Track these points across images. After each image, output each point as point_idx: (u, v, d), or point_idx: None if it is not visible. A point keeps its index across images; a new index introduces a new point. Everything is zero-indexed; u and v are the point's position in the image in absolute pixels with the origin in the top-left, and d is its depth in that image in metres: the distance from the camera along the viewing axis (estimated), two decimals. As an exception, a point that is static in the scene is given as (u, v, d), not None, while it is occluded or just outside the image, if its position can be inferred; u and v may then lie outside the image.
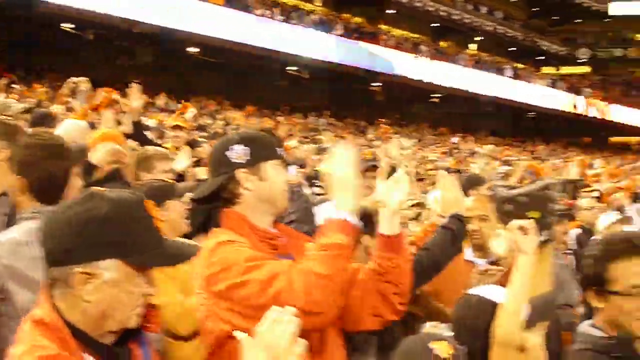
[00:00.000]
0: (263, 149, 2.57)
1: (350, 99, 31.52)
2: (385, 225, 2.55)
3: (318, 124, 23.69)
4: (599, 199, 10.35)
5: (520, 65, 42.67)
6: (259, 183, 2.54)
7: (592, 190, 10.85)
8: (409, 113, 33.73)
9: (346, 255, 2.35)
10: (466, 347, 2.29)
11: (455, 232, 3.38)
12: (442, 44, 38.43)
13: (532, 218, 2.96)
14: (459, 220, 3.39)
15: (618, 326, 2.48)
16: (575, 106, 42.67)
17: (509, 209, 3.07)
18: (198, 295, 2.46)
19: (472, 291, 2.81)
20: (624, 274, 2.44)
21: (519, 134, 39.59)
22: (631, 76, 53.39)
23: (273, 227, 2.61)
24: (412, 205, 5.21)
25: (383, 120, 29.84)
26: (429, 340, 2.22)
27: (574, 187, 10.48)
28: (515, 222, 2.79)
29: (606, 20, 51.08)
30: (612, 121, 45.38)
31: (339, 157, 2.53)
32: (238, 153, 2.55)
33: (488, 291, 2.74)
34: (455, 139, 27.67)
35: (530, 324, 2.59)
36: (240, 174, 2.53)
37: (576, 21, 51.61)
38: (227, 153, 2.56)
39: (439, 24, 39.17)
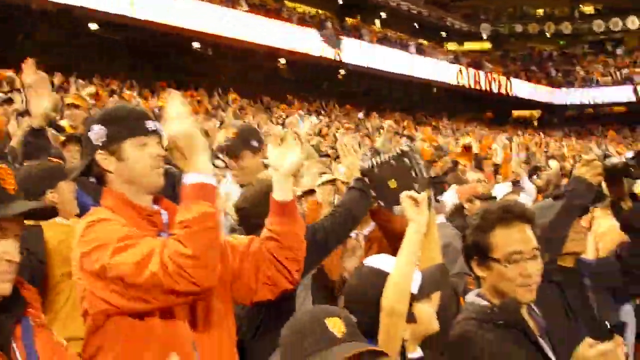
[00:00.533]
0: (122, 127, 2.45)
1: (255, 76, 31.54)
2: (278, 191, 2.52)
3: (223, 101, 23.75)
4: (497, 171, 11.03)
5: (424, 42, 43.42)
6: (118, 164, 2.45)
7: (491, 164, 11.54)
8: (315, 89, 34.03)
9: (211, 225, 2.25)
10: (356, 319, 2.27)
11: (361, 189, 3.32)
12: (348, 20, 38.82)
13: (393, 188, 3.10)
14: (362, 182, 3.33)
15: (501, 294, 2.58)
16: (477, 82, 43.78)
17: (369, 180, 3.21)
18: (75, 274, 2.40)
19: (366, 261, 2.83)
20: (503, 241, 2.56)
21: (424, 109, 40.37)
22: (531, 51, 55.28)
23: (156, 204, 2.54)
24: (325, 182, 5.27)
25: (290, 97, 30.12)
26: (323, 316, 2.18)
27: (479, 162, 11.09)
28: (407, 193, 2.83)
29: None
30: (513, 96, 46.73)
31: (173, 113, 2.35)
32: (96, 134, 2.47)
33: (380, 261, 2.75)
34: (361, 115, 28.12)
35: (421, 294, 2.64)
36: (98, 155, 2.46)
37: (479, -4, 52.75)
38: (89, 134, 2.49)
39: (344, 1, 39.51)
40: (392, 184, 3.14)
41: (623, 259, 3.36)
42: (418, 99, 41.57)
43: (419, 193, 2.85)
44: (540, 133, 38.27)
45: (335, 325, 2.14)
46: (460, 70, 42.39)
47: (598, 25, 53.22)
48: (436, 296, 2.82)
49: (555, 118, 51.32)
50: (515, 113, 50.18)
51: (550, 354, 2.60)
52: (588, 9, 54.99)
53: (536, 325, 2.66)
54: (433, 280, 2.73)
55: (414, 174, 3.10)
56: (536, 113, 51.46)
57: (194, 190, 2.27)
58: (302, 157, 2.61)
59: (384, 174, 3.17)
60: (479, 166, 10.71)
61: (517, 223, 2.58)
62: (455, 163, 10.60)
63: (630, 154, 3.32)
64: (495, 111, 44.05)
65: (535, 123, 48.62)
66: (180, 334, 2.37)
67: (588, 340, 2.32)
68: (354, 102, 33.80)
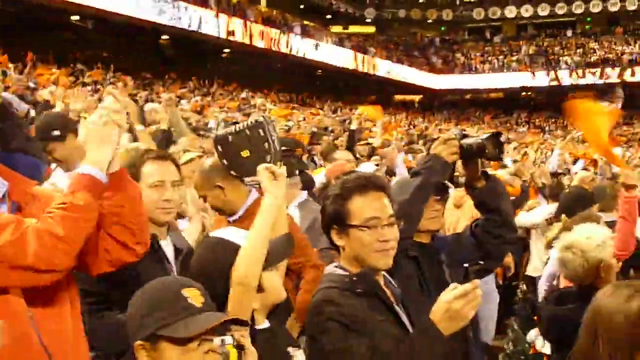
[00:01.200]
0: None
1: (137, 52, 31.16)
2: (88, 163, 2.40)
3: (104, 77, 23.45)
4: (374, 151, 11.58)
5: (309, 23, 43.86)
6: None
7: (365, 144, 12.11)
8: (199, 68, 33.93)
9: (88, 217, 2.27)
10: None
11: None
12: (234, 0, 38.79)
13: (245, 157, 3.16)
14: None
15: (360, 261, 2.69)
16: (362, 65, 44.64)
17: (222, 149, 3.28)
18: None
19: (213, 234, 2.91)
20: (361, 208, 2.67)
21: (308, 91, 40.89)
22: (413, 37, 56.81)
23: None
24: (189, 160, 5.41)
25: (172, 75, 29.95)
26: (179, 287, 2.18)
27: (352, 139, 11.53)
28: (264, 165, 2.93)
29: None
30: (396, 80, 47.91)
31: (102, 109, 2.42)
32: None
33: (228, 233, 2.84)
34: (244, 95, 28.26)
35: (269, 263, 2.72)
36: None
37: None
38: None
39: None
40: (245, 153, 3.19)
41: (476, 235, 3.49)
42: (303, 80, 41.98)
43: (271, 164, 2.98)
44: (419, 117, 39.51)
45: (194, 296, 2.14)
46: (346, 54, 43.16)
47: (478, 12, 55.37)
48: (283, 265, 2.94)
49: (435, 102, 53.12)
50: (398, 97, 51.58)
51: (405, 320, 2.71)
52: (469, -3, 57.35)
53: (392, 294, 2.76)
54: (280, 249, 2.82)
55: (267, 146, 3.15)
56: (417, 97, 53.13)
57: (84, 180, 2.30)
58: (99, 123, 2.40)
59: (239, 142, 3.19)
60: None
61: (374, 192, 2.70)
62: (335, 146, 10.96)
63: (486, 135, 3.37)
64: (378, 95, 45.11)
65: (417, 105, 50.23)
66: (13, 309, 2.27)
67: (451, 284, 2.44)
68: (238, 81, 33.94)
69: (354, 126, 11.34)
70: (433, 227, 3.49)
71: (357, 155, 10.20)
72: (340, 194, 2.71)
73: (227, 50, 36.32)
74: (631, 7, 52.54)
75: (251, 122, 3.27)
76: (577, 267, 3.94)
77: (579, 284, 4.00)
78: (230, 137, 3.26)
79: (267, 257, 2.71)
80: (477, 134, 3.13)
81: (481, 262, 2.81)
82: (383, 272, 2.77)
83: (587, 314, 2.32)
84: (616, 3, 52.99)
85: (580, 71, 49.95)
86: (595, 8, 53.67)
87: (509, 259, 7.98)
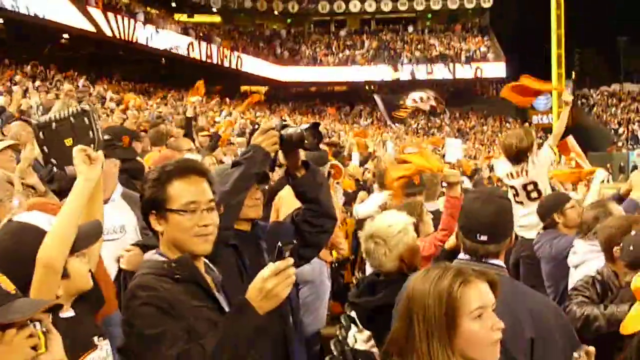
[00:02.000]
0: None
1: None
2: None
3: None
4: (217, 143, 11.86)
5: (153, 11, 43.46)
6: None
7: (207, 135, 12.19)
8: (36, 53, 32.88)
9: None
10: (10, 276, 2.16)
11: None
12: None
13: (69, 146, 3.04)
14: None
15: (179, 246, 2.66)
16: (208, 55, 44.69)
17: (44, 136, 3.18)
18: None
19: (16, 218, 2.87)
20: (180, 192, 2.65)
21: (153, 80, 40.44)
22: (259, 28, 57.42)
23: None
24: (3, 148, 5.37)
25: (7, 60, 28.90)
26: None
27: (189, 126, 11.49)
28: (80, 147, 2.92)
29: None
30: (242, 71, 48.34)
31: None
32: None
33: (32, 217, 2.82)
34: (82, 82, 27.61)
35: (75, 248, 2.73)
36: None
37: (210, -30, 53.69)
38: None
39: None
40: (69, 142, 3.11)
41: (297, 224, 3.55)
42: (148, 68, 41.55)
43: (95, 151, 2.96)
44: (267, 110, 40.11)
45: (4, 282, 2.08)
46: (191, 43, 43.15)
47: (323, 6, 56.86)
48: (92, 252, 2.95)
49: (281, 94, 54.02)
50: (244, 88, 52.02)
51: (225, 306, 2.70)
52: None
53: (213, 281, 2.75)
54: (88, 235, 2.80)
55: (91, 135, 3.09)
56: (263, 89, 53.74)
57: None
58: None
59: (62, 130, 3.12)
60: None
61: (193, 176, 2.69)
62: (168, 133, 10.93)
63: (305, 126, 3.38)
64: (225, 85, 45.28)
65: (263, 98, 50.75)
66: None
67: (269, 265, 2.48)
68: (79, 68, 33.14)
69: (189, 114, 11.16)
70: (253, 215, 3.51)
71: (198, 146, 10.32)
72: (158, 178, 2.68)
73: (66, 35, 35.40)
74: (469, 5, 55.90)
75: (76, 110, 3.16)
76: (381, 256, 4.01)
77: (387, 271, 4.04)
78: (54, 124, 3.13)
79: (75, 241, 2.70)
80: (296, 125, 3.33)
81: (294, 242, 2.72)
82: (204, 259, 2.77)
83: (401, 299, 2.34)
84: (455, 1, 56.14)
85: (424, 66, 52.41)
86: (436, 5, 56.54)
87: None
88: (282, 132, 3.30)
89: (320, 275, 6.87)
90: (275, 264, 2.44)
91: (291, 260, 2.47)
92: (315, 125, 3.34)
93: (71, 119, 3.12)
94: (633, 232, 4.07)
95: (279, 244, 2.50)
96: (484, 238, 3.08)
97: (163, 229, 2.68)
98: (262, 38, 56.40)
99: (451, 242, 4.26)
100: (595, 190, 7.28)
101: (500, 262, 3.14)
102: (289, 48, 55.97)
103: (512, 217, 3.28)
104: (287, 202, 6.91)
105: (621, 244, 4.05)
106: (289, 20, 58.79)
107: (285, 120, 3.13)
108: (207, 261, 2.79)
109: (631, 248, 3.95)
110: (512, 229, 3.29)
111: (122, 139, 5.44)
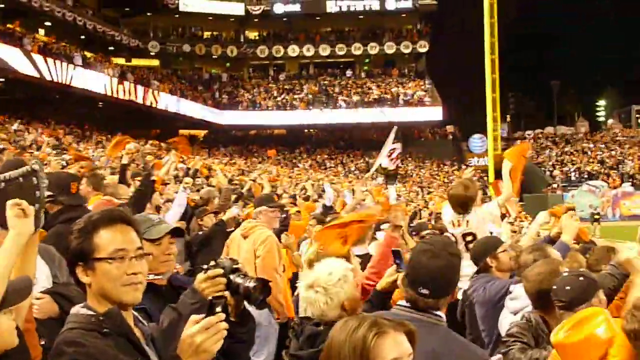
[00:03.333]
0: None
1: None
2: None
3: None
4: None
5: (90, 54, 44.26)
6: None
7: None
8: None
9: None
10: None
11: None
12: (10, 26, 38.23)
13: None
14: None
15: (107, 298, 2.61)
16: (144, 98, 45.72)
17: None
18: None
19: None
20: (107, 240, 2.62)
21: (90, 123, 40.85)
22: (198, 72, 58.78)
23: None
24: None
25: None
26: None
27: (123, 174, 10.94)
28: (15, 201, 2.90)
29: (176, 15, 55.41)
30: (180, 114, 49.59)
31: None
32: None
33: None
34: (16, 126, 27.68)
35: (2, 305, 2.70)
36: None
37: (148, 14, 54.96)
38: None
39: (5, 5, 39.10)
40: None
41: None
42: (85, 112, 42.01)
43: (38, 212, 2.99)
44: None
45: None
46: (127, 86, 44.05)
47: (262, 50, 58.62)
48: (20, 308, 2.90)
49: (220, 138, 55.29)
50: (182, 132, 52.93)
51: (155, 359, 2.68)
52: (253, 34, 60.33)
53: (142, 333, 2.72)
54: (17, 291, 2.76)
55: (37, 194, 3.09)
56: (202, 133, 54.57)
57: None
58: None
59: (10, 191, 3.07)
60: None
61: (120, 225, 2.68)
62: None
63: (253, 282, 3.10)
64: (162, 129, 45.88)
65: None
66: None
67: (193, 317, 2.49)
68: (13, 113, 33.23)
69: (124, 160, 10.78)
70: (164, 269, 3.60)
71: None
72: (84, 227, 2.66)
73: (1, 79, 36.05)
74: (406, 50, 58.06)
75: (26, 170, 3.14)
76: (322, 305, 3.89)
77: (328, 320, 3.88)
78: (2, 184, 3.10)
79: (3, 297, 2.68)
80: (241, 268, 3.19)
81: (225, 297, 2.78)
82: (133, 311, 2.73)
83: (323, 350, 2.32)
84: (392, 46, 58.24)
85: (359, 109, 54.40)
86: (373, 50, 58.70)
87: None
88: (231, 276, 3.10)
89: (268, 317, 7.01)
90: (206, 319, 2.46)
91: (222, 316, 2.49)
92: (265, 282, 3.10)
93: (20, 179, 3.10)
94: (565, 273, 4.15)
95: (210, 298, 2.59)
96: (425, 292, 3.16)
97: (90, 280, 2.63)
98: (200, 82, 57.74)
99: (383, 283, 4.22)
100: (534, 232, 7.39)
101: (440, 312, 3.22)
102: (227, 92, 57.37)
103: (458, 275, 3.33)
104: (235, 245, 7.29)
105: (554, 286, 4.04)
106: (227, 64, 60.26)
107: (235, 262, 3.15)
108: (136, 313, 2.76)
109: (567, 288, 3.97)
110: (455, 286, 3.36)
111: (71, 186, 5.42)
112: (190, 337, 2.44)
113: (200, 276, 3.10)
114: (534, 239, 7.13)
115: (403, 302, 3.26)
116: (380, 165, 13.57)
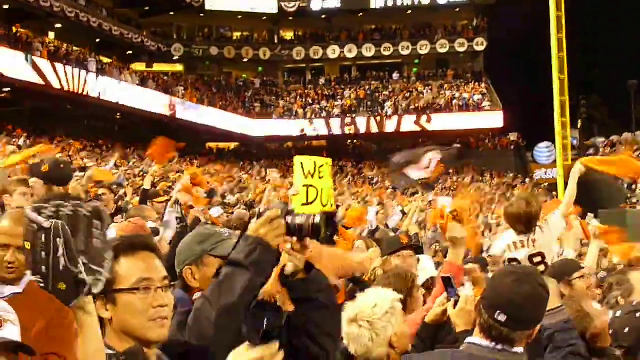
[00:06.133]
0: None
1: None
2: None
3: None
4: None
5: (106, 59, 43.83)
6: None
7: (165, 201, 12.07)
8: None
9: None
10: None
11: None
12: (18, 29, 37.93)
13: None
14: None
15: (130, 334, 2.58)
16: (170, 107, 45.19)
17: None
18: None
19: None
20: (129, 269, 2.60)
21: (107, 135, 40.57)
22: (227, 77, 58.05)
23: None
24: None
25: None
26: None
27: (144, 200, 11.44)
28: None
29: (202, 14, 54.77)
30: (207, 125, 48.87)
31: None
32: None
33: None
34: (22, 141, 27.57)
35: None
36: None
37: (170, 13, 54.43)
38: None
39: (10, 5, 38.71)
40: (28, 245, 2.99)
41: None
42: (100, 124, 41.63)
43: None
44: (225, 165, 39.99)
45: None
46: (151, 95, 43.59)
47: (298, 52, 57.68)
48: None
49: (254, 150, 54.20)
50: (210, 145, 52.10)
51: None
52: (288, 35, 59.54)
53: None
54: None
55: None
56: (232, 145, 53.88)
57: None
58: None
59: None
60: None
61: (142, 252, 2.66)
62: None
63: (317, 216, 3.04)
64: (188, 141, 45.42)
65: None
66: None
67: (244, 344, 2.36)
68: (21, 125, 33.14)
69: (147, 185, 10.93)
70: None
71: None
72: None
73: (6, 89, 35.44)
74: (461, 49, 56.87)
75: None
76: (367, 342, 3.81)
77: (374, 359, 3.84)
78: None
79: None
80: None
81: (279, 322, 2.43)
82: (156, 350, 2.66)
83: None
84: (445, 44, 57.13)
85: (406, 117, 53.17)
86: (423, 49, 57.47)
87: None
88: (288, 219, 3.00)
89: None
90: (257, 349, 2.31)
91: (276, 346, 2.34)
92: (330, 215, 3.03)
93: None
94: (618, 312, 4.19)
95: (264, 323, 2.32)
96: (501, 318, 3.02)
97: (111, 315, 2.58)
98: (230, 88, 57.02)
99: (432, 315, 4.24)
100: (595, 255, 7.47)
101: (517, 349, 3.06)
102: (260, 99, 56.58)
103: (543, 311, 3.17)
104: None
105: (610, 331, 4.06)
106: (260, 68, 59.61)
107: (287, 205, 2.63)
108: (159, 352, 2.67)
109: (626, 330, 4.04)
110: (537, 323, 3.13)
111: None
112: None
113: (255, 223, 3.04)
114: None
115: (477, 340, 3.12)
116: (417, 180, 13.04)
